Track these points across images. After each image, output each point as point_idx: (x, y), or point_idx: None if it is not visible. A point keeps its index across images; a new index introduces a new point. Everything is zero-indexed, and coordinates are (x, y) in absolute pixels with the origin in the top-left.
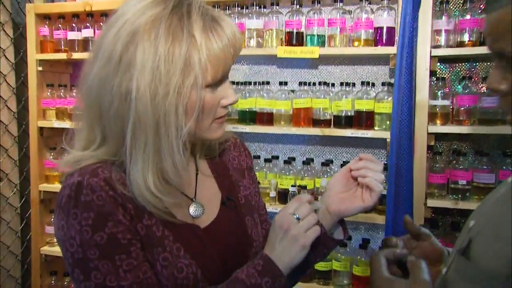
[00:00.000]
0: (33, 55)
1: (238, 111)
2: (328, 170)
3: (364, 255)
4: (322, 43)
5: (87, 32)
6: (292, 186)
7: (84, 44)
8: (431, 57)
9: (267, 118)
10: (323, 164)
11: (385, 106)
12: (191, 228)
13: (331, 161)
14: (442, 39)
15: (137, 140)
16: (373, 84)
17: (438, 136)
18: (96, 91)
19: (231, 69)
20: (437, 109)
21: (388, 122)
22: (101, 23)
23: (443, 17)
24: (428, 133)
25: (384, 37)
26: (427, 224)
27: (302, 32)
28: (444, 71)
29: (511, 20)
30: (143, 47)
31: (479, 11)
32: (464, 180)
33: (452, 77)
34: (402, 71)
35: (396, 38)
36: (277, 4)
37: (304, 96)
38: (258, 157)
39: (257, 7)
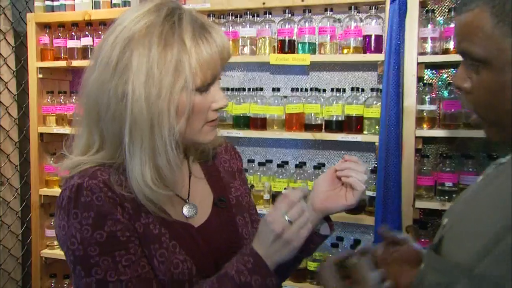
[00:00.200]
0: (33, 63)
1: (232, 116)
2: (320, 173)
3: None
4: (313, 51)
5: (86, 41)
6: (285, 189)
7: (83, 52)
8: (418, 63)
9: (261, 123)
10: (315, 167)
11: (374, 111)
12: (185, 227)
13: (323, 165)
14: (428, 46)
15: (134, 139)
16: (362, 90)
17: (426, 140)
18: (94, 94)
19: (226, 75)
20: (424, 114)
21: (377, 127)
22: (99, 32)
23: (429, 25)
24: (416, 137)
25: (373, 44)
26: (416, 225)
27: (294, 40)
28: (431, 77)
29: (473, 22)
30: (138, 52)
31: None
32: (450, 182)
33: (439, 83)
34: (390, 77)
35: (384, 45)
36: (270, 13)
37: (296, 101)
38: (253, 161)
39: (251, 16)
